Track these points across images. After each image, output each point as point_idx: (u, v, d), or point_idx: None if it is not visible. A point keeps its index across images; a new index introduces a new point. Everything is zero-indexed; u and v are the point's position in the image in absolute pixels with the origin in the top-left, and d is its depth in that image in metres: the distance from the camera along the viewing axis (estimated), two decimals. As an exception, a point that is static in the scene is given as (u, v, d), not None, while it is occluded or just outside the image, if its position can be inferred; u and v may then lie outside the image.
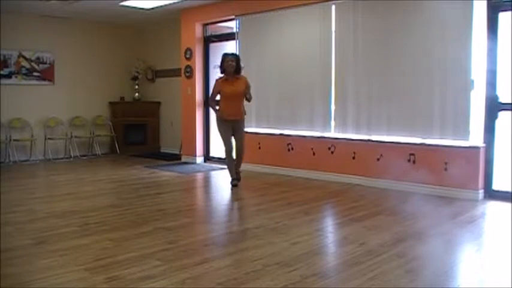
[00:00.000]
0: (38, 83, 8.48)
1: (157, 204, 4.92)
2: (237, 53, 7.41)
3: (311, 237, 3.73)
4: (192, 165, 7.72)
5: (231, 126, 5.71)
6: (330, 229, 4.21)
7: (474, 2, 4.98)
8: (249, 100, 5.73)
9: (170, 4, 7.54)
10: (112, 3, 7.44)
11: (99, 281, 2.76)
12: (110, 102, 9.51)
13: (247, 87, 5.67)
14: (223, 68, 5.67)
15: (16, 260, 3.14)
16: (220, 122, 5.73)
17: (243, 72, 5.78)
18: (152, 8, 7.77)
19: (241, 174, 6.04)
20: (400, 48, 5.53)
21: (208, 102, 5.90)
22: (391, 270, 2.94)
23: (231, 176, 5.84)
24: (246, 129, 7.26)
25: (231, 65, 5.60)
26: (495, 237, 3.86)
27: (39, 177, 7.01)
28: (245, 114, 5.86)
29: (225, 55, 5.71)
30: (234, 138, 5.78)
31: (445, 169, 5.21)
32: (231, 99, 5.63)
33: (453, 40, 5.10)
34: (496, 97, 5.05)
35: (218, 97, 5.80)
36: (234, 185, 5.80)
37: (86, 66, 9.10)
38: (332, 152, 6.25)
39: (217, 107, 5.80)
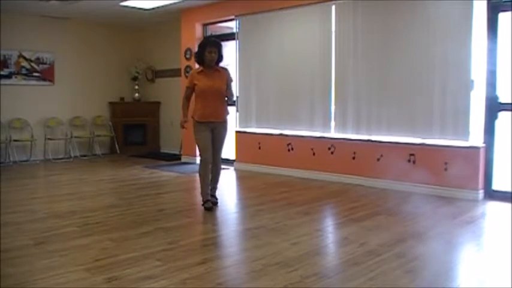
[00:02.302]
0: (38, 83, 8.48)
1: (158, 205, 4.92)
2: (237, 52, 7.43)
3: (311, 237, 3.73)
4: (192, 165, 7.71)
5: (210, 130, 4.60)
6: (330, 229, 4.20)
7: (474, 2, 4.98)
8: (229, 98, 4.68)
9: (170, 4, 7.54)
10: (112, 3, 7.44)
11: (99, 281, 2.76)
12: (110, 103, 9.50)
13: (229, 82, 4.64)
14: (201, 59, 4.57)
15: (16, 260, 3.14)
16: (195, 125, 4.62)
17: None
18: (152, 8, 7.77)
19: (217, 192, 4.85)
20: (400, 48, 5.53)
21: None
22: (391, 271, 2.94)
23: (203, 196, 4.65)
24: (245, 129, 7.34)
25: (214, 57, 4.53)
26: (495, 237, 3.86)
27: (39, 177, 7.00)
28: (228, 114, 4.76)
29: (206, 44, 4.57)
30: (212, 145, 4.63)
31: (445, 169, 5.21)
32: (207, 96, 4.53)
33: (453, 40, 5.10)
34: (496, 97, 5.05)
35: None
36: (207, 208, 4.58)
37: (86, 66, 9.10)
38: (332, 152, 6.25)
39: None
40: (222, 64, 4.70)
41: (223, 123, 4.69)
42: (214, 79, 4.55)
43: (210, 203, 4.63)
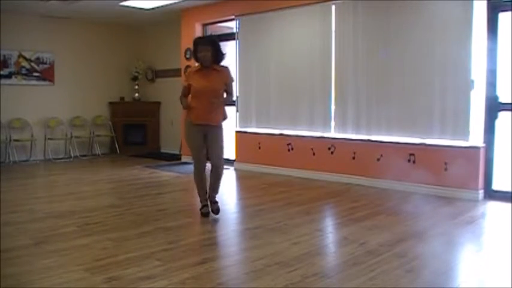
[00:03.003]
0: (38, 83, 8.48)
1: (158, 204, 4.92)
2: (237, 52, 7.42)
3: (311, 237, 3.73)
4: (192, 165, 7.69)
5: (202, 134, 4.26)
6: (330, 229, 4.21)
7: (474, 2, 4.98)
8: (228, 98, 4.37)
9: (170, 4, 7.53)
10: (112, 3, 7.43)
11: (99, 281, 2.76)
12: (110, 102, 9.50)
13: (229, 81, 4.31)
14: (196, 58, 4.29)
15: (16, 260, 3.14)
16: (188, 126, 4.33)
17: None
18: (152, 8, 7.77)
19: (217, 198, 4.44)
20: (400, 48, 5.53)
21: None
22: (391, 270, 2.94)
23: (201, 201, 4.44)
24: (245, 129, 7.33)
25: (207, 56, 4.17)
26: (495, 237, 3.86)
27: (39, 177, 7.01)
28: (225, 119, 4.39)
29: (197, 43, 4.29)
30: (208, 150, 4.32)
31: (445, 169, 5.21)
32: (202, 97, 4.17)
33: (453, 40, 5.10)
34: (496, 97, 5.05)
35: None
36: (204, 213, 4.35)
37: (86, 66, 9.09)
38: (332, 152, 6.24)
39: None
40: (224, 63, 4.38)
41: (217, 127, 4.29)
42: (210, 79, 4.19)
43: (208, 208, 4.35)
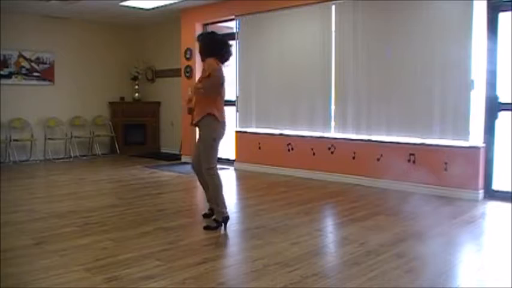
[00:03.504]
0: (38, 83, 8.48)
1: (158, 204, 4.92)
2: (237, 52, 7.38)
3: (311, 237, 3.73)
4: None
5: (198, 134, 4.09)
6: (330, 229, 4.20)
7: (474, 2, 4.98)
8: (204, 91, 3.83)
9: (170, 4, 7.54)
10: (112, 3, 7.44)
11: (99, 281, 2.76)
12: (110, 102, 9.50)
13: (205, 73, 3.82)
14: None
15: (16, 260, 3.14)
16: None
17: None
18: (152, 8, 7.77)
19: (220, 213, 3.93)
20: (400, 48, 5.53)
21: None
22: (391, 270, 2.94)
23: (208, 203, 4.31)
24: (245, 129, 7.33)
25: (199, 52, 4.03)
26: (495, 237, 3.86)
27: (39, 177, 7.00)
28: (207, 114, 3.86)
29: (197, 39, 4.14)
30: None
31: (445, 169, 5.21)
32: (194, 95, 3.98)
33: (453, 40, 5.10)
34: (496, 97, 5.05)
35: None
36: (203, 214, 4.29)
37: (86, 66, 9.09)
38: (332, 152, 6.24)
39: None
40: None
41: (199, 125, 3.94)
42: (200, 76, 3.99)
43: (208, 210, 4.23)
